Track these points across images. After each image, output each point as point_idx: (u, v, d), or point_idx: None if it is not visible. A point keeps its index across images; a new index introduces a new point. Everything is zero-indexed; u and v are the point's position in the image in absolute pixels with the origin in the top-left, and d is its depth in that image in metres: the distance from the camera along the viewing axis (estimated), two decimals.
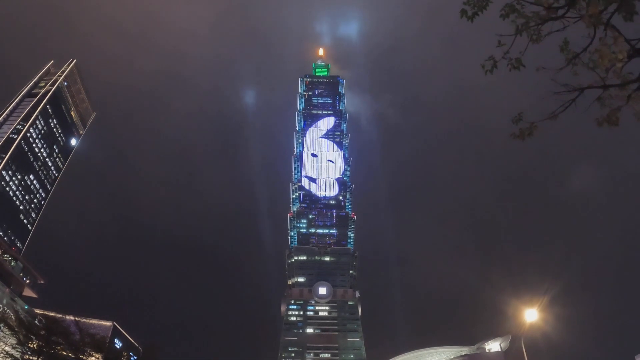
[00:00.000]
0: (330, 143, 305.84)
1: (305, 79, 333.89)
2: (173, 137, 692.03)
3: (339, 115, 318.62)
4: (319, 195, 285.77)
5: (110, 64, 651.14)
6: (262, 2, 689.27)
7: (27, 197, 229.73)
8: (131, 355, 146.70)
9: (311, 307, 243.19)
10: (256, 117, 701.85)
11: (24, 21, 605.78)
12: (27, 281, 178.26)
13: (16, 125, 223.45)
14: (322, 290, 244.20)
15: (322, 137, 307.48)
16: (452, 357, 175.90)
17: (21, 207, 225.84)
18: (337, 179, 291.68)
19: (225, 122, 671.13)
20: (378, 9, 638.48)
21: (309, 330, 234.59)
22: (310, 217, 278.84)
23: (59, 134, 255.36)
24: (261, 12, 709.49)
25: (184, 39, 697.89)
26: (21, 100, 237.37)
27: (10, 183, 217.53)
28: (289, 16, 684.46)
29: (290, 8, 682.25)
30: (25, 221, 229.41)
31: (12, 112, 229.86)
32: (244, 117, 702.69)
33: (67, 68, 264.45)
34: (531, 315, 43.96)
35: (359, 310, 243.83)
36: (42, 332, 76.42)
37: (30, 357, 73.27)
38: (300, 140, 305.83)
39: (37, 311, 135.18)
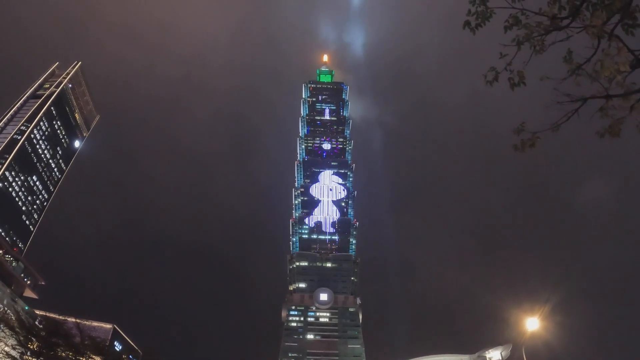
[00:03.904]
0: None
1: (309, 85, 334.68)
2: (188, 142, 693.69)
3: (342, 121, 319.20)
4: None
5: (126, 70, 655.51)
6: (281, 9, 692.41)
7: (29, 198, 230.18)
8: (131, 358, 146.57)
9: (312, 313, 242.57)
10: (268, 123, 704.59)
11: (32, 25, 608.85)
12: (28, 282, 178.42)
13: (20, 126, 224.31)
14: (323, 297, 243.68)
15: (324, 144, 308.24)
16: None
17: (23, 208, 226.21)
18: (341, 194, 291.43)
19: (239, 128, 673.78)
20: (386, 16, 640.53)
21: (309, 336, 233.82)
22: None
23: (63, 135, 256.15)
24: (280, 18, 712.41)
25: (204, 47, 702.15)
26: (25, 102, 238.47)
27: (13, 184, 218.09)
28: (303, 23, 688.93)
29: (304, 15, 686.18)
30: (27, 222, 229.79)
31: (16, 113, 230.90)
32: (257, 122, 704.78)
33: (72, 70, 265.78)
34: (533, 323, 43.90)
35: (360, 317, 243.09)
36: (43, 334, 76.40)
37: (30, 358, 73.23)
38: (303, 146, 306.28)
39: (38, 312, 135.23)
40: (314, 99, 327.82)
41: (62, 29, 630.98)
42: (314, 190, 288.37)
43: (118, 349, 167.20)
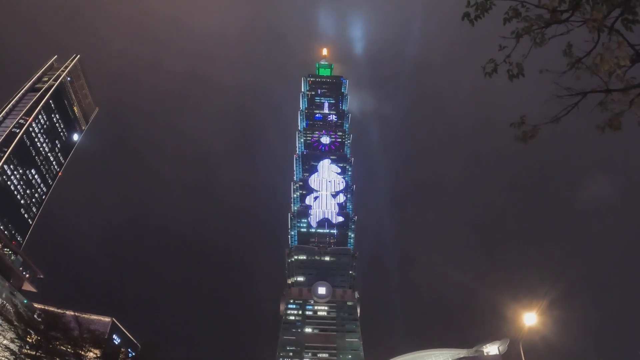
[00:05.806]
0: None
1: (308, 79, 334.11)
2: (192, 137, 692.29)
3: (341, 115, 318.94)
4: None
5: (132, 64, 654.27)
6: (288, 3, 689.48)
7: (28, 192, 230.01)
8: (129, 352, 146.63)
9: (310, 307, 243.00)
10: (272, 118, 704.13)
11: (32, 18, 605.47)
12: (27, 275, 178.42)
13: (19, 119, 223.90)
14: (322, 290, 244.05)
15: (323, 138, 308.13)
16: (450, 359, 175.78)
17: (22, 202, 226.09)
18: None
19: (243, 123, 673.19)
20: (387, 9, 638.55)
21: (308, 329, 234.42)
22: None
23: (61, 129, 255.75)
24: (286, 13, 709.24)
25: (211, 41, 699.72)
26: (24, 95, 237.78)
27: (12, 177, 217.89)
28: (306, 16, 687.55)
29: (309, 8, 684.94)
30: (25, 215, 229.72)
31: (15, 106, 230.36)
32: (261, 117, 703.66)
33: (71, 63, 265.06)
34: (530, 318, 43.94)
35: (358, 310, 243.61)
36: (41, 327, 76.42)
37: (29, 351, 73.29)
38: (302, 140, 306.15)
39: (37, 306, 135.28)
40: (313, 93, 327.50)
41: (63, 22, 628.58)
42: (313, 182, 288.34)
43: (117, 343, 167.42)
